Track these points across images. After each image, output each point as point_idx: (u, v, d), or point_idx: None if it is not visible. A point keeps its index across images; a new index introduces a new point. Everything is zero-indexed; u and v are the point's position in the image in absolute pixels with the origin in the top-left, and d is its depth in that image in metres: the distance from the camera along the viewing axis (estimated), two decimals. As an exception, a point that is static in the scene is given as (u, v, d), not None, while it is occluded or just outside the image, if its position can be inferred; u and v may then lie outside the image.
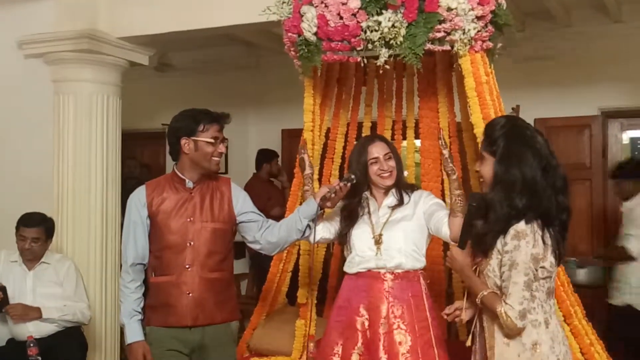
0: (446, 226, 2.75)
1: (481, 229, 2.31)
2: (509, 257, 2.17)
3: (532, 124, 5.59)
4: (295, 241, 3.04)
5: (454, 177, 2.78)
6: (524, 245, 2.15)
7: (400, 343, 2.74)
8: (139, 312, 2.82)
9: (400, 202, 2.88)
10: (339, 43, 3.08)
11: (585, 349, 3.01)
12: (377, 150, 2.89)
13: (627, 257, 4.49)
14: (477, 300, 2.29)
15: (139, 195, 2.86)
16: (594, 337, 3.12)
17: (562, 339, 2.27)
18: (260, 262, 5.43)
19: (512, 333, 2.20)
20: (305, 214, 2.86)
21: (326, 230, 2.96)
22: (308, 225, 2.86)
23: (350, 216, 2.92)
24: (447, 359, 2.80)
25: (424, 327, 2.78)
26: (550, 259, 2.21)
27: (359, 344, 2.80)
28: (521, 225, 2.17)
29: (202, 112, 2.84)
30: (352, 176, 2.79)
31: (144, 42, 4.64)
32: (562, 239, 2.26)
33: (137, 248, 2.83)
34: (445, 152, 2.82)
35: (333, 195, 2.78)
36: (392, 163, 2.89)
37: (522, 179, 2.20)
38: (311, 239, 2.94)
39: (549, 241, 2.20)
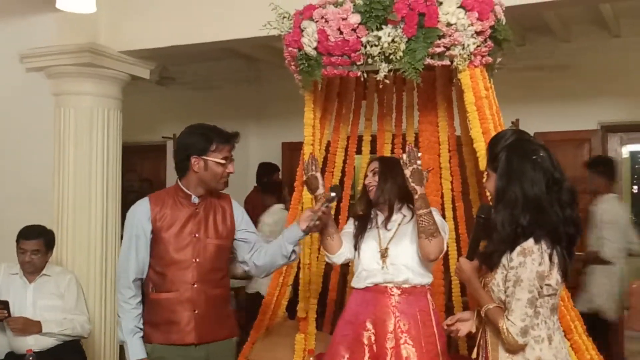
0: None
1: (487, 248, 2.30)
2: (514, 273, 2.16)
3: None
4: (282, 266, 2.99)
5: (416, 196, 2.73)
6: (530, 262, 2.13)
7: (407, 358, 2.75)
8: (141, 329, 2.74)
9: (388, 217, 2.90)
10: (339, 58, 3.10)
11: (587, 364, 3.00)
12: (368, 167, 3.01)
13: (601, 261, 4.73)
14: (482, 312, 2.28)
15: (143, 209, 2.77)
16: (595, 353, 3.10)
17: (565, 356, 2.25)
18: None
19: (513, 349, 2.18)
20: (290, 239, 2.80)
21: (348, 251, 2.96)
22: (293, 250, 2.81)
23: (360, 226, 2.95)
24: None
25: (431, 342, 2.79)
26: (557, 276, 2.19)
27: (365, 358, 2.81)
28: (529, 243, 2.15)
29: (215, 131, 2.77)
30: (333, 194, 2.75)
31: (145, 55, 4.66)
32: (569, 254, 2.23)
33: (139, 263, 2.75)
34: (407, 171, 2.75)
35: (317, 222, 2.74)
36: (375, 178, 2.92)
37: (523, 196, 2.17)
38: (335, 258, 2.94)
39: (556, 259, 2.18)
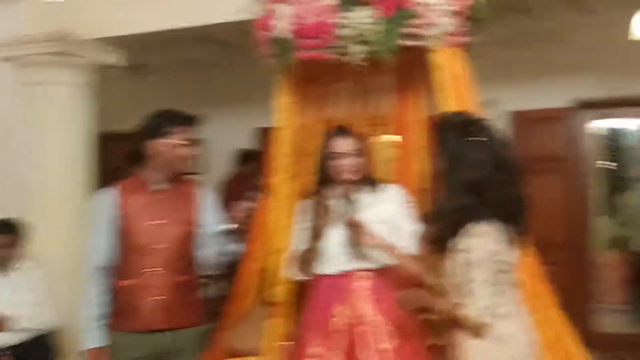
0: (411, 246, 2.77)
1: (435, 234, 2.31)
2: (465, 256, 2.16)
3: (507, 116, 5.75)
4: (224, 263, 2.98)
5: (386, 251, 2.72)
6: (480, 243, 2.14)
7: (386, 339, 2.74)
8: (102, 317, 2.74)
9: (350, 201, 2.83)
10: (313, 40, 3.08)
11: (559, 337, 3.04)
12: (342, 145, 2.86)
13: None
14: (440, 316, 2.30)
15: (106, 197, 2.81)
16: (568, 326, 3.15)
17: (526, 328, 2.27)
18: (235, 263, 5.42)
19: (479, 331, 2.17)
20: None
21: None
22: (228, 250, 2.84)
23: (316, 213, 2.86)
24: (436, 350, 2.81)
25: (408, 320, 2.78)
26: (510, 252, 2.21)
27: (339, 344, 2.78)
28: (475, 225, 2.15)
29: (173, 114, 2.80)
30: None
31: (117, 43, 4.59)
32: (519, 230, 2.25)
33: (102, 250, 2.77)
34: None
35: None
36: (356, 160, 2.84)
37: (463, 178, 2.18)
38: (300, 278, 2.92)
39: (506, 236, 2.19)
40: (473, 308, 2.14)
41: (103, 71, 4.72)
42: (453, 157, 2.23)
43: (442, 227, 2.25)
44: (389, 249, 2.62)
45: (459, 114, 2.43)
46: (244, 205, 2.71)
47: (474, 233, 2.15)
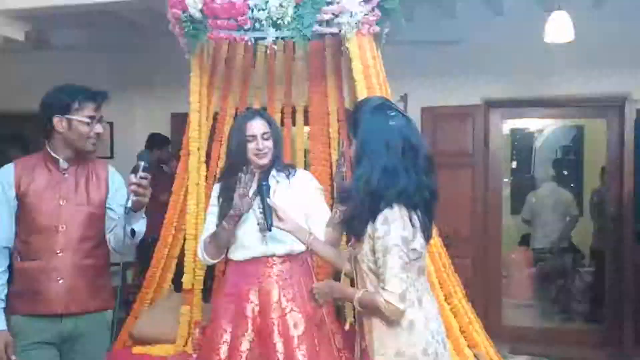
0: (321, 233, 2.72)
1: (347, 214, 2.30)
2: (381, 242, 2.15)
3: (419, 112, 5.77)
4: (131, 245, 2.78)
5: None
6: (394, 229, 2.13)
7: (295, 325, 2.73)
8: (2, 300, 2.60)
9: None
10: (226, 21, 3.01)
11: (465, 327, 3.12)
12: (255, 127, 2.81)
13: None
14: (354, 304, 2.26)
15: (6, 174, 2.65)
16: (473, 316, 3.24)
17: (434, 315, 2.28)
18: (147, 250, 5.30)
19: (396, 317, 2.16)
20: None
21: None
22: (132, 229, 2.64)
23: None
24: (342, 336, 2.83)
25: (316, 307, 2.78)
26: (420, 240, 2.22)
27: (249, 331, 2.76)
28: (388, 211, 2.15)
29: (77, 89, 2.66)
30: (141, 162, 2.54)
31: (18, 16, 4.34)
32: (428, 219, 2.26)
33: (3, 230, 2.62)
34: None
35: (134, 198, 2.52)
36: (268, 143, 2.81)
37: (377, 161, 2.17)
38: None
39: (417, 223, 2.20)
40: (386, 294, 2.14)
41: (4, 48, 4.45)
42: (366, 141, 2.22)
43: (355, 212, 2.23)
44: (301, 233, 2.60)
45: (373, 99, 2.43)
46: (135, 177, 2.52)
47: (387, 219, 2.14)
